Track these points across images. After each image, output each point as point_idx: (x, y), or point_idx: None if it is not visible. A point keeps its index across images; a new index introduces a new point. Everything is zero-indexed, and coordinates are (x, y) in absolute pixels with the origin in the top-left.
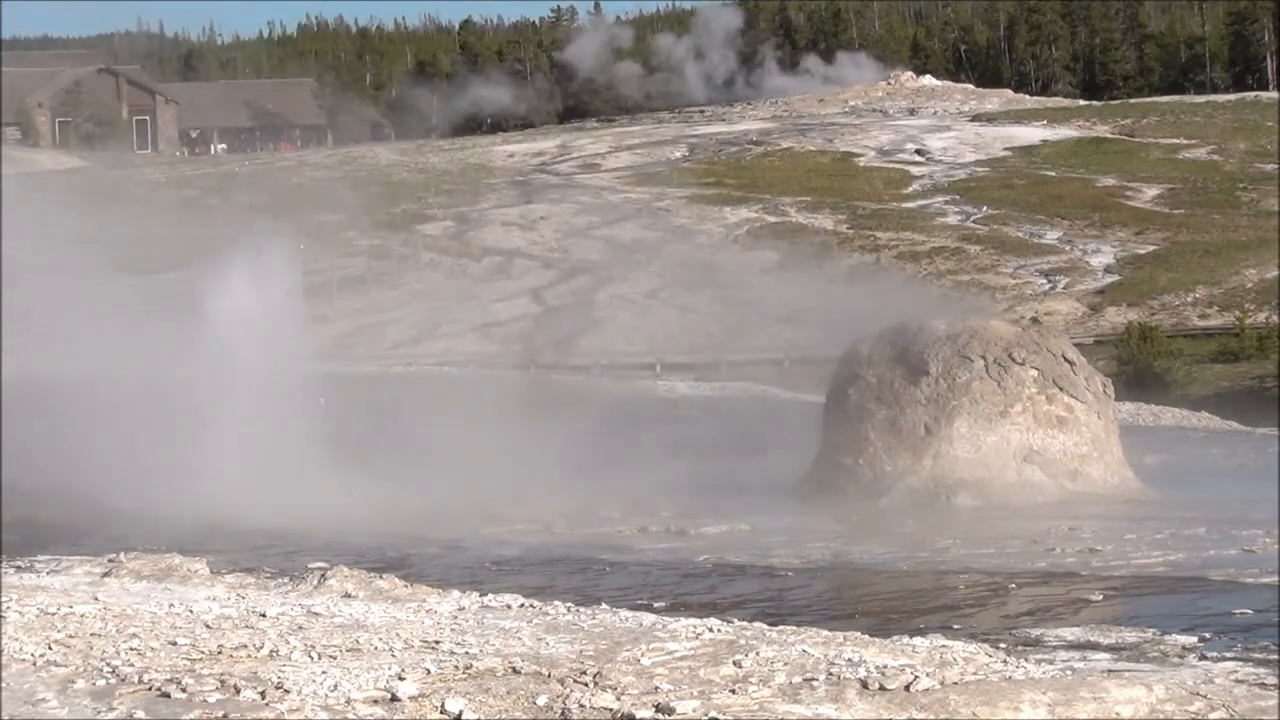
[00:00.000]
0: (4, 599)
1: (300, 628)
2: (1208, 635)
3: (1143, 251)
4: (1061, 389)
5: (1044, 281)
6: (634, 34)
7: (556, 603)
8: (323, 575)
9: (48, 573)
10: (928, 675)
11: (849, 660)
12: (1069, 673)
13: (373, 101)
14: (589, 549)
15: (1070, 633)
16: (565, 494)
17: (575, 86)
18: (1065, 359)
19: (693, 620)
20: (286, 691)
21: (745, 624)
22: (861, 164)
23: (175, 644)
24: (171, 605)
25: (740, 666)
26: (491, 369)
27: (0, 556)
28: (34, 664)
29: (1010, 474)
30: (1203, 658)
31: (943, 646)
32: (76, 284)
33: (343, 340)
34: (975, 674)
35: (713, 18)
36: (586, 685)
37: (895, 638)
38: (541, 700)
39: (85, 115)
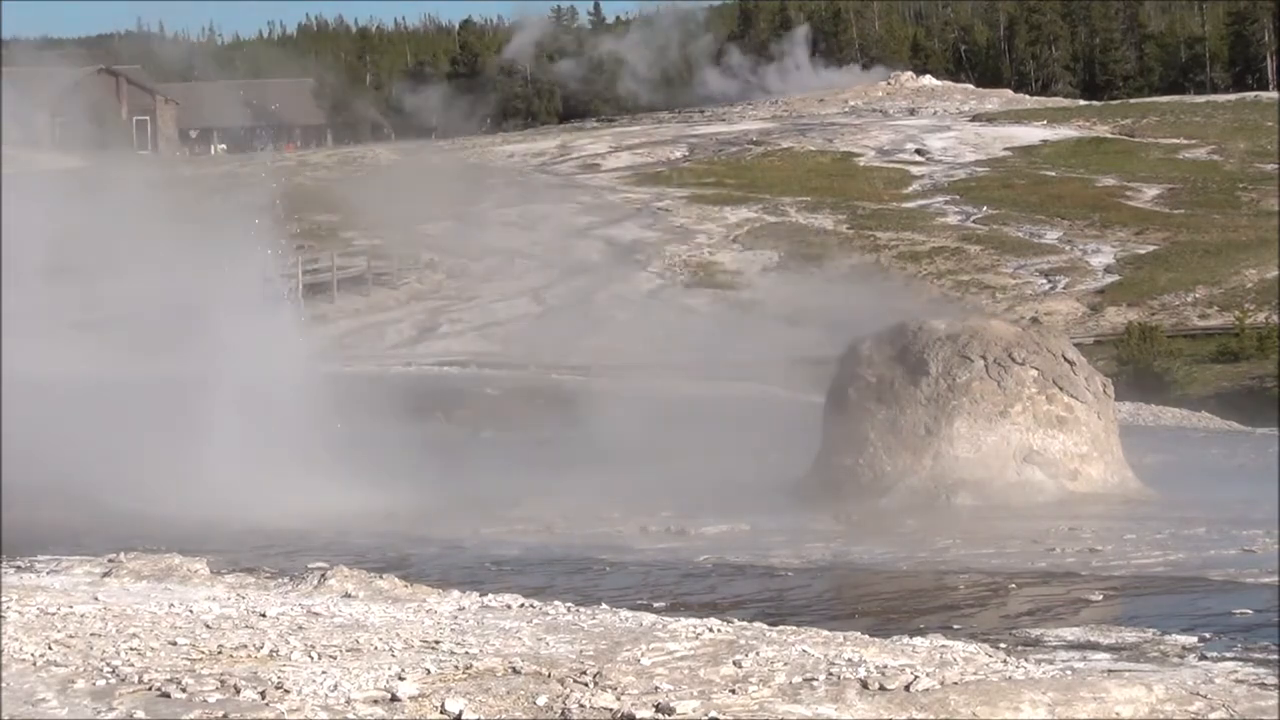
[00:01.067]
0: (4, 599)
1: (300, 628)
2: (1208, 635)
3: (1143, 251)
4: (1061, 389)
5: (1044, 281)
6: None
7: (556, 603)
8: (323, 575)
9: (48, 573)
10: (928, 675)
11: (849, 660)
12: (1069, 673)
13: (373, 101)
14: (589, 549)
15: (1070, 633)
16: (565, 494)
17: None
18: (1065, 359)
19: (693, 620)
20: (286, 691)
21: (745, 624)
22: (861, 164)
23: (175, 644)
24: (171, 605)
25: (740, 666)
26: (493, 369)
27: (0, 556)
28: (34, 664)
29: (1010, 474)
30: (1203, 658)
31: (943, 646)
32: (76, 284)
33: (343, 340)
34: (975, 674)
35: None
36: (586, 685)
37: (895, 638)
38: (541, 700)
39: (85, 115)
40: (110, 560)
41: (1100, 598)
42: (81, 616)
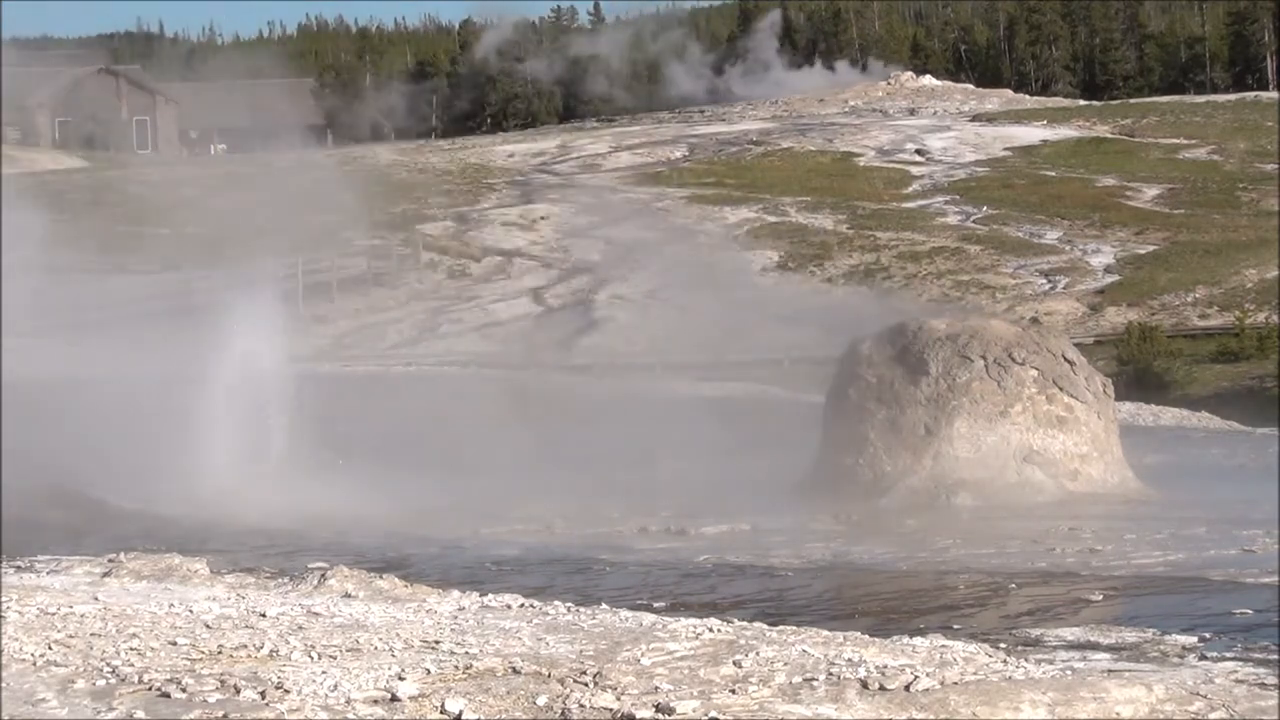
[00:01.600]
0: (4, 599)
1: (300, 628)
2: (1208, 635)
3: (1143, 251)
4: (1061, 389)
5: (1044, 281)
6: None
7: (556, 603)
8: (323, 575)
9: (48, 573)
10: (928, 675)
11: (849, 660)
12: (1069, 673)
13: (373, 101)
14: (589, 549)
15: (1070, 633)
16: (565, 494)
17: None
18: (1065, 359)
19: (693, 620)
20: (286, 691)
21: (745, 624)
22: (861, 164)
23: (175, 644)
24: (171, 605)
25: (740, 666)
26: (492, 369)
27: (0, 556)
28: (34, 664)
29: (1010, 474)
30: (1203, 658)
31: (943, 646)
32: (77, 284)
33: (343, 340)
34: (975, 674)
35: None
36: (586, 685)
37: (895, 638)
38: (541, 700)
39: (85, 115)
40: (110, 560)
41: (1100, 598)
42: (81, 616)
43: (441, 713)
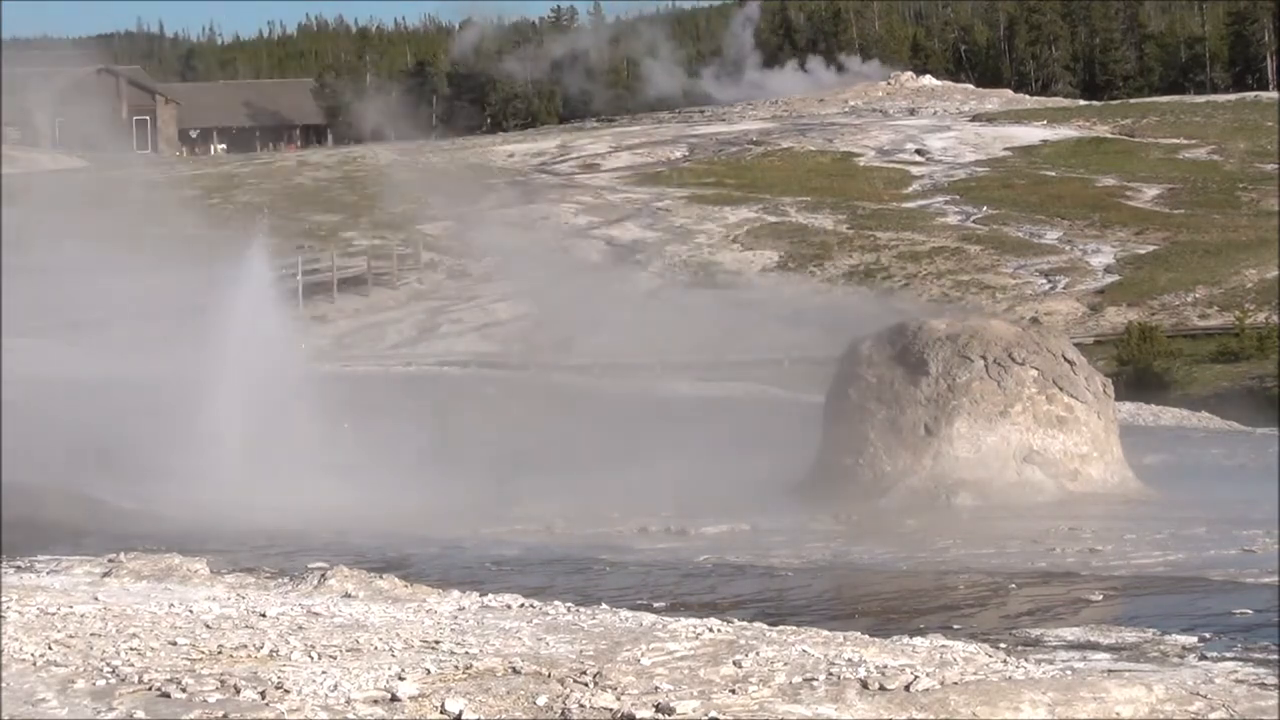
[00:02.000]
0: (4, 599)
1: (300, 628)
2: (1208, 635)
3: (1143, 251)
4: (1061, 389)
5: (1044, 281)
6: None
7: (556, 603)
8: (323, 575)
9: (48, 573)
10: (928, 675)
11: (849, 660)
12: (1069, 673)
13: (373, 101)
14: (589, 549)
15: (1070, 633)
16: (565, 494)
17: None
18: (1065, 359)
19: (693, 620)
20: (286, 691)
21: (745, 624)
22: (861, 164)
23: (175, 644)
24: (171, 605)
25: (740, 666)
26: (492, 369)
27: (0, 556)
28: (34, 664)
29: (1010, 474)
30: (1203, 658)
31: (943, 646)
32: (76, 284)
33: (343, 340)
34: (975, 674)
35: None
36: (586, 685)
37: (895, 638)
38: (541, 700)
39: (85, 115)
40: (110, 560)
41: (1100, 598)
42: (81, 616)
43: (441, 713)
